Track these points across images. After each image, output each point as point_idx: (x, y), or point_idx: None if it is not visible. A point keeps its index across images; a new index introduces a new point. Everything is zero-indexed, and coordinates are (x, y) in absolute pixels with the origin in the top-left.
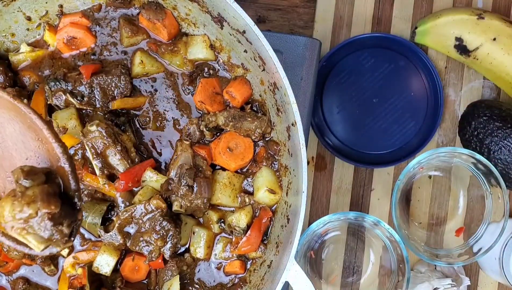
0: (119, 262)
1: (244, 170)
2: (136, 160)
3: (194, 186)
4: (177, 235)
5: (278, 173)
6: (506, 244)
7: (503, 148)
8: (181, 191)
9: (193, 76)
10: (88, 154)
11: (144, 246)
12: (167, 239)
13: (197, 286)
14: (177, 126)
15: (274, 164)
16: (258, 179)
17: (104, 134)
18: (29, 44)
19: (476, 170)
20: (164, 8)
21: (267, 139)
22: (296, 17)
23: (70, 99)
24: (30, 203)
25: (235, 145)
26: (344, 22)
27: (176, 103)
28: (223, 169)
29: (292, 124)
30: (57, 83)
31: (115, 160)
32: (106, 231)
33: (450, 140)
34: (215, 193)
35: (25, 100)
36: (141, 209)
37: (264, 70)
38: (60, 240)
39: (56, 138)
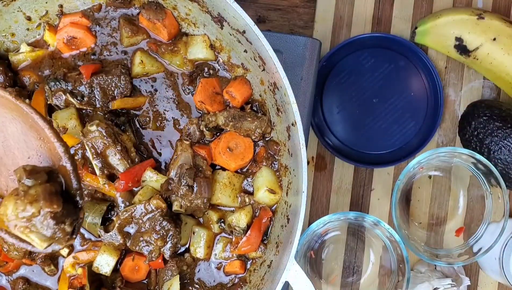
0: (119, 262)
1: (244, 170)
2: (136, 160)
3: (194, 186)
4: (177, 235)
5: (278, 173)
6: (506, 244)
7: (503, 148)
8: (181, 191)
9: (193, 76)
10: (88, 154)
11: (144, 246)
12: (167, 239)
13: (197, 286)
14: (177, 126)
15: (274, 164)
16: (258, 179)
17: (104, 134)
18: (29, 44)
19: (476, 170)
20: (164, 8)
21: (267, 139)
22: (296, 17)
23: (70, 99)
24: (33, 202)
25: (235, 145)
26: (344, 22)
27: (176, 103)
28: (223, 169)
29: (292, 124)
30: (57, 83)
31: (115, 160)
32: (106, 231)
33: (450, 140)
34: (215, 193)
35: (26, 100)
36: (141, 209)
37: (264, 70)
38: (62, 238)
39: (58, 138)
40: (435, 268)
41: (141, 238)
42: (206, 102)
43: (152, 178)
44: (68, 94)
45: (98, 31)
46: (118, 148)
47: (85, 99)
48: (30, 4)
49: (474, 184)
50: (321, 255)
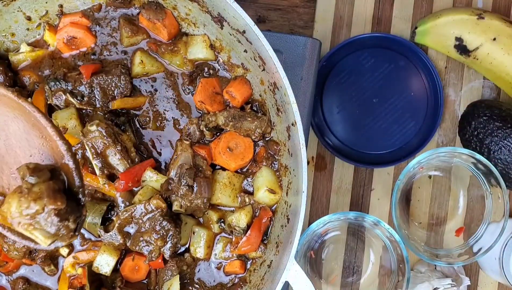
0: (119, 262)
1: (244, 170)
2: (136, 160)
3: (194, 186)
4: (177, 235)
5: (278, 173)
6: (506, 244)
7: (503, 148)
8: (181, 191)
9: (193, 76)
10: (88, 154)
11: (144, 246)
12: (167, 239)
13: (197, 286)
14: (177, 126)
15: (274, 164)
16: (258, 179)
17: (104, 134)
18: (29, 44)
19: (476, 170)
20: (164, 8)
21: (267, 139)
22: (296, 17)
23: (70, 99)
24: (36, 199)
25: (235, 145)
26: (344, 22)
27: (176, 103)
28: (223, 169)
29: (292, 124)
30: (57, 83)
31: (115, 160)
32: (106, 231)
33: (450, 140)
34: (215, 193)
35: (28, 99)
36: (141, 209)
37: (264, 70)
38: (66, 235)
39: (60, 136)
40: (435, 268)
41: (141, 238)
42: (206, 102)
43: (152, 178)
44: (68, 94)
45: (98, 31)
46: (118, 148)
47: (85, 99)
48: (30, 4)
49: (474, 184)
50: (321, 255)
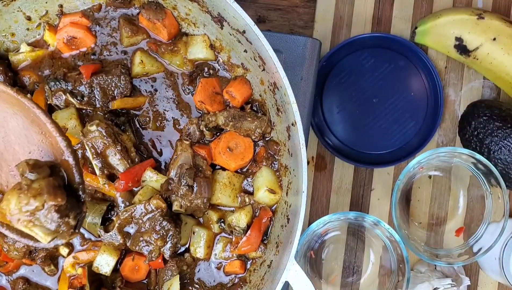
0: (119, 262)
1: (244, 170)
2: (136, 160)
3: (194, 186)
4: (177, 235)
5: (278, 173)
6: (506, 244)
7: (503, 148)
8: (181, 191)
9: (193, 76)
10: (88, 154)
11: (144, 246)
12: (167, 239)
13: (197, 286)
14: (177, 126)
15: (274, 164)
16: (258, 179)
17: (104, 134)
18: (29, 44)
19: (476, 170)
20: (164, 8)
21: (267, 139)
22: (296, 17)
23: (70, 99)
24: (36, 196)
25: (235, 145)
26: (344, 22)
27: (176, 103)
28: (223, 169)
29: (292, 124)
30: (57, 83)
31: (115, 160)
32: (106, 231)
33: (450, 140)
34: (215, 193)
35: (28, 95)
36: (141, 209)
37: (264, 70)
38: (66, 232)
39: (60, 132)
40: (435, 268)
41: (141, 238)
42: (206, 102)
43: (152, 178)
44: (68, 94)
45: (98, 31)
46: (118, 148)
47: (85, 99)
48: (30, 4)
49: (474, 184)
50: (321, 255)
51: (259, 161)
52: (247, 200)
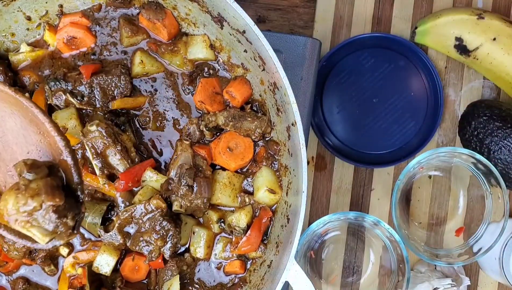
0: (119, 262)
1: (244, 170)
2: (136, 160)
3: (194, 186)
4: (177, 235)
5: (278, 173)
6: (506, 244)
7: (503, 148)
8: (181, 191)
9: (193, 76)
10: (88, 154)
11: (144, 246)
12: (167, 239)
13: (197, 286)
14: (177, 126)
15: (274, 164)
16: (258, 179)
17: (104, 134)
18: (29, 44)
19: (476, 170)
20: (164, 8)
21: (267, 139)
22: (296, 17)
23: (70, 99)
24: (34, 196)
25: (235, 145)
26: (344, 22)
27: (176, 103)
28: (223, 169)
29: (292, 124)
30: (57, 83)
31: (115, 160)
32: (106, 231)
33: (450, 140)
34: (215, 193)
35: (26, 94)
36: (141, 209)
37: (264, 70)
38: (64, 232)
39: (59, 132)
40: (435, 268)
41: (141, 238)
42: (206, 102)
43: (152, 178)
44: (68, 94)
45: (98, 31)
46: (118, 148)
47: (85, 99)
48: (30, 4)
49: (474, 184)
50: (321, 255)
51: (259, 161)
52: (247, 200)
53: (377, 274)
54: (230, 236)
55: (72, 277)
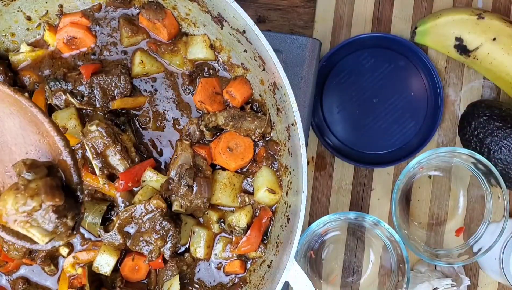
0: (119, 262)
1: (244, 170)
2: (136, 160)
3: (194, 186)
4: (177, 235)
5: (278, 173)
6: (506, 244)
7: (503, 148)
8: (181, 191)
9: (193, 76)
10: (88, 154)
11: (144, 246)
12: (167, 239)
13: (197, 286)
14: (177, 126)
15: (274, 164)
16: (258, 179)
17: (104, 134)
18: (29, 44)
19: (476, 170)
20: (164, 8)
21: (267, 139)
22: (296, 17)
23: (70, 99)
24: (33, 196)
25: (235, 145)
26: (344, 22)
27: (176, 103)
28: (223, 169)
29: (292, 124)
30: (57, 83)
31: (115, 160)
32: (106, 231)
33: (450, 140)
34: (215, 193)
35: (25, 94)
36: (141, 209)
37: (264, 70)
38: (64, 233)
39: (58, 132)
40: (435, 268)
41: (141, 238)
42: (206, 102)
43: (152, 178)
44: (68, 94)
45: (98, 31)
46: (118, 148)
47: (85, 99)
48: (30, 4)
49: (474, 184)
50: (321, 255)
51: (259, 161)
52: (247, 200)
53: (377, 274)
54: (230, 236)
55: (72, 277)
